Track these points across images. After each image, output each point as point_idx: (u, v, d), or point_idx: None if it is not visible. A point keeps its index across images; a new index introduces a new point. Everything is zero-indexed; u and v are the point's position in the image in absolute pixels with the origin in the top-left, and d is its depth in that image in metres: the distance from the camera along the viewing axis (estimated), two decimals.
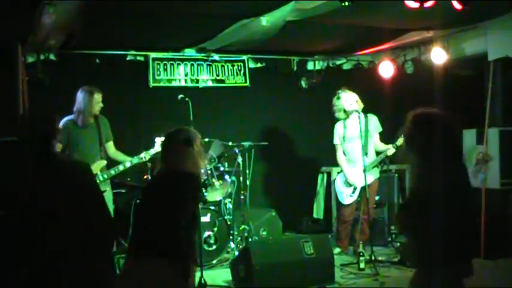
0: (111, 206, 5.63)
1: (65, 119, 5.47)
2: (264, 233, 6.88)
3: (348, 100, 6.25)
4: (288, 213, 7.63)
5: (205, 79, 7.59)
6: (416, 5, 4.38)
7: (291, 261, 5.22)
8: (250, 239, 6.42)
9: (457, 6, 4.53)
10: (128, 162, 5.60)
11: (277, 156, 7.91)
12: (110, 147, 5.69)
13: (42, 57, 6.52)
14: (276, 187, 7.98)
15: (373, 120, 6.33)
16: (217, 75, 7.67)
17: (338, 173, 6.70)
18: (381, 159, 6.20)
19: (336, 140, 6.45)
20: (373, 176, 6.25)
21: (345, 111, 6.28)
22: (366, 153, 6.11)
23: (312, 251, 5.29)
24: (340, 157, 6.44)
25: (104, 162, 5.61)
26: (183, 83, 7.45)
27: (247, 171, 6.66)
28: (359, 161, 6.17)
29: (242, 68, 7.79)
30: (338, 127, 6.45)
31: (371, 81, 7.68)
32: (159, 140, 5.63)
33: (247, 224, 6.52)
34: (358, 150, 6.20)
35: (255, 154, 6.72)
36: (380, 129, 6.36)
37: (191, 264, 3.34)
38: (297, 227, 7.74)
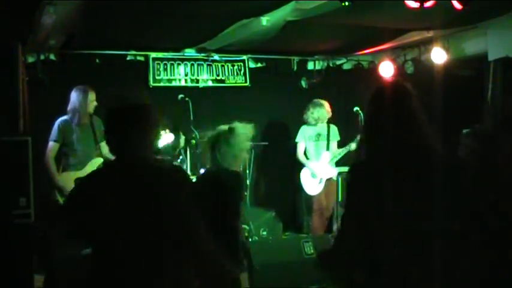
0: None
1: (60, 119, 5.51)
2: (264, 233, 6.88)
3: (328, 110, 7.08)
4: (288, 213, 7.62)
5: (205, 79, 7.59)
6: (416, 5, 4.38)
7: (291, 261, 5.23)
8: (250, 239, 6.42)
9: (457, 6, 4.52)
10: None
11: (277, 156, 7.91)
12: (104, 147, 5.71)
13: (42, 57, 6.52)
14: (276, 187, 7.97)
15: (334, 130, 7.09)
16: (217, 75, 7.67)
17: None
18: (344, 152, 6.97)
19: (301, 139, 7.15)
20: (335, 170, 6.99)
21: (319, 118, 7.03)
22: (328, 149, 7.01)
23: (312, 251, 5.30)
24: (301, 154, 7.15)
25: (101, 160, 5.64)
26: (183, 83, 7.45)
27: (247, 171, 6.66)
28: (320, 158, 7.00)
29: (242, 68, 7.79)
30: (305, 129, 7.15)
31: (371, 81, 7.67)
32: None
33: (247, 224, 6.52)
34: (318, 149, 7.03)
35: (255, 154, 6.72)
36: (338, 138, 7.15)
37: None
38: (297, 227, 7.74)
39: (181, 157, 6.34)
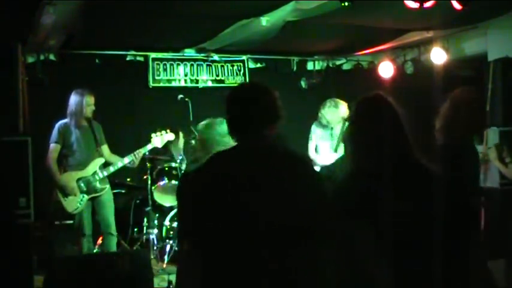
0: (112, 205, 5.66)
1: (60, 122, 5.53)
2: None
3: (344, 111, 6.49)
4: None
5: (205, 79, 7.59)
6: (416, 5, 4.38)
7: None
8: None
9: (457, 6, 4.53)
10: (126, 158, 5.64)
11: None
12: (105, 150, 5.72)
13: (42, 57, 6.52)
14: None
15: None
16: (217, 76, 7.67)
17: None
18: None
19: (311, 138, 6.69)
20: None
21: (330, 121, 6.49)
22: (336, 151, 6.53)
23: None
24: (312, 153, 6.69)
25: (102, 160, 5.65)
26: (182, 83, 7.45)
27: None
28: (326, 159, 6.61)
29: (242, 68, 7.79)
30: (316, 128, 6.65)
31: (371, 81, 7.67)
32: (155, 137, 5.70)
33: None
34: (327, 149, 6.58)
35: None
36: None
37: None
38: None
39: (180, 157, 6.33)
